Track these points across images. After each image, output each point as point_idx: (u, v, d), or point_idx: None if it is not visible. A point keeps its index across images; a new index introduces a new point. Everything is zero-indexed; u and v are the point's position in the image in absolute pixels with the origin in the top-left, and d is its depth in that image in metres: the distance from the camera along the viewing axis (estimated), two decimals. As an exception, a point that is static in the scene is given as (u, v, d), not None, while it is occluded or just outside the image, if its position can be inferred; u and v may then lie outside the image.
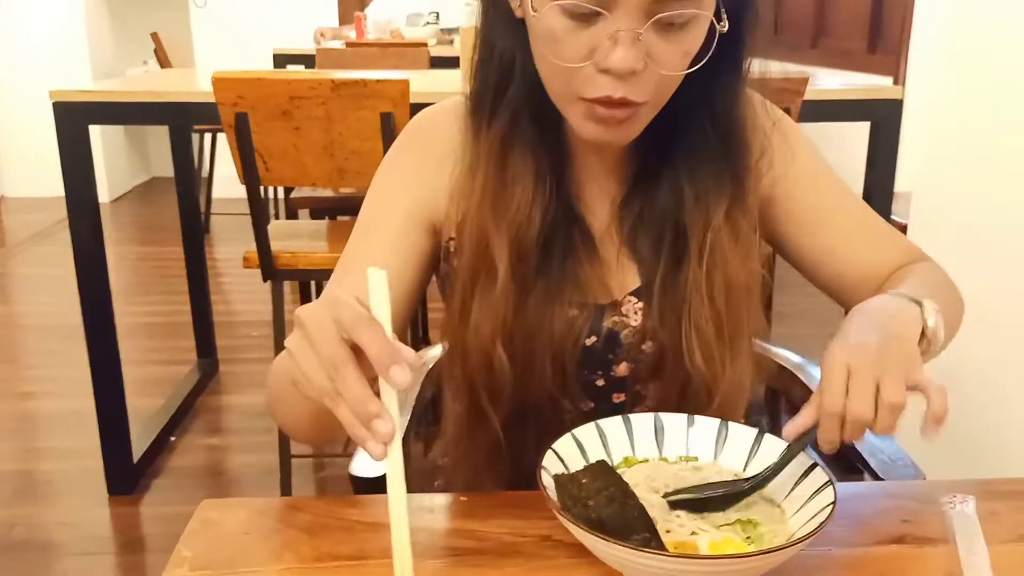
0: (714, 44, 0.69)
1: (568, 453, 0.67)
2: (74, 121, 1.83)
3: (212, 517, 0.71)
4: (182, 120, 2.33)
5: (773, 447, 0.68)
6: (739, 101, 0.78)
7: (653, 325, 0.79)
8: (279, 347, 2.21)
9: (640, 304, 0.81)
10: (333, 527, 0.69)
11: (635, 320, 0.80)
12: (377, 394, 0.54)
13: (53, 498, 2.05)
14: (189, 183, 2.57)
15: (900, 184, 2.03)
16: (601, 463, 0.62)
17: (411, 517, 0.71)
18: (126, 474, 2.04)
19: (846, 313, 0.71)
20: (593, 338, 0.80)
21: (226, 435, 2.35)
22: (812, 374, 1.03)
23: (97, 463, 2.02)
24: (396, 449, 0.52)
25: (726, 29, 0.69)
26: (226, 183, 4.14)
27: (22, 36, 4.70)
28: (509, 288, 0.76)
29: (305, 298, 2.53)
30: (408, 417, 1.00)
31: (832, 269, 0.85)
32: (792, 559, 0.59)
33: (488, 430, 0.81)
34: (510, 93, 0.76)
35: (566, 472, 0.63)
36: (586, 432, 0.69)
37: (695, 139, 0.78)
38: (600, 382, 0.83)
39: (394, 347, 0.52)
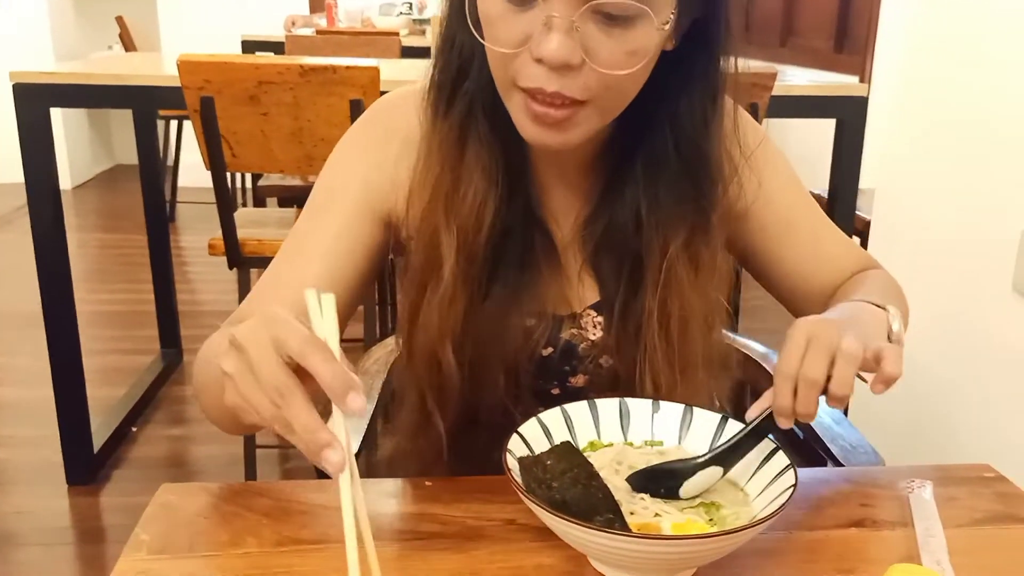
0: (655, 51, 0.67)
1: (533, 436, 0.67)
2: (35, 104, 1.78)
3: (171, 501, 0.70)
4: (147, 104, 2.29)
5: (736, 432, 0.69)
6: (709, 132, 0.75)
7: (611, 343, 0.79)
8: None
9: (600, 319, 0.80)
10: (295, 511, 0.69)
11: (594, 334, 0.80)
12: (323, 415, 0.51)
13: (10, 487, 2.01)
14: (154, 169, 2.53)
15: (864, 181, 2.06)
16: (566, 444, 0.62)
17: (378, 501, 0.71)
18: (86, 464, 2.00)
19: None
20: (550, 349, 0.79)
21: (189, 425, 2.31)
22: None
23: (56, 453, 1.98)
24: (345, 478, 0.49)
25: (668, 27, 0.66)
26: (192, 171, 4.07)
27: (-19, 18, 4.58)
28: (456, 289, 0.74)
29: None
30: (373, 405, 0.99)
31: (793, 280, 0.86)
32: (754, 541, 0.59)
33: (432, 434, 0.79)
34: (466, 86, 0.74)
35: (531, 455, 0.63)
36: (552, 416, 0.69)
37: (659, 165, 0.75)
38: (555, 391, 0.82)
39: (347, 374, 0.50)
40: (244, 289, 1.87)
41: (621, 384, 0.79)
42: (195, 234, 4.00)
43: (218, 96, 1.66)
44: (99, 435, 2.07)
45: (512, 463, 0.62)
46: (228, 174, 1.78)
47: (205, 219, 3.83)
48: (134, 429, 2.23)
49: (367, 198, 0.79)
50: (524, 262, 0.77)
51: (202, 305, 3.14)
